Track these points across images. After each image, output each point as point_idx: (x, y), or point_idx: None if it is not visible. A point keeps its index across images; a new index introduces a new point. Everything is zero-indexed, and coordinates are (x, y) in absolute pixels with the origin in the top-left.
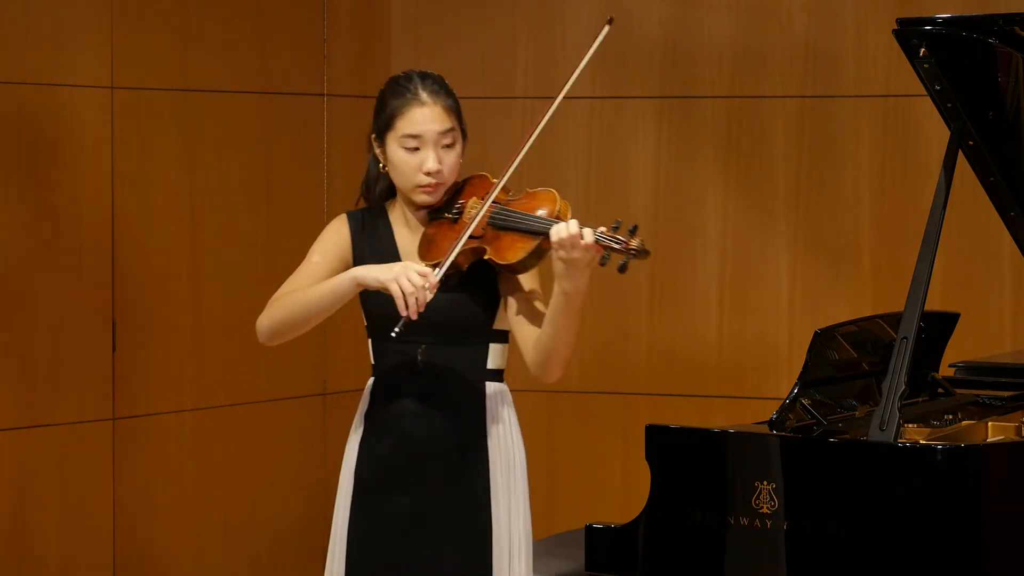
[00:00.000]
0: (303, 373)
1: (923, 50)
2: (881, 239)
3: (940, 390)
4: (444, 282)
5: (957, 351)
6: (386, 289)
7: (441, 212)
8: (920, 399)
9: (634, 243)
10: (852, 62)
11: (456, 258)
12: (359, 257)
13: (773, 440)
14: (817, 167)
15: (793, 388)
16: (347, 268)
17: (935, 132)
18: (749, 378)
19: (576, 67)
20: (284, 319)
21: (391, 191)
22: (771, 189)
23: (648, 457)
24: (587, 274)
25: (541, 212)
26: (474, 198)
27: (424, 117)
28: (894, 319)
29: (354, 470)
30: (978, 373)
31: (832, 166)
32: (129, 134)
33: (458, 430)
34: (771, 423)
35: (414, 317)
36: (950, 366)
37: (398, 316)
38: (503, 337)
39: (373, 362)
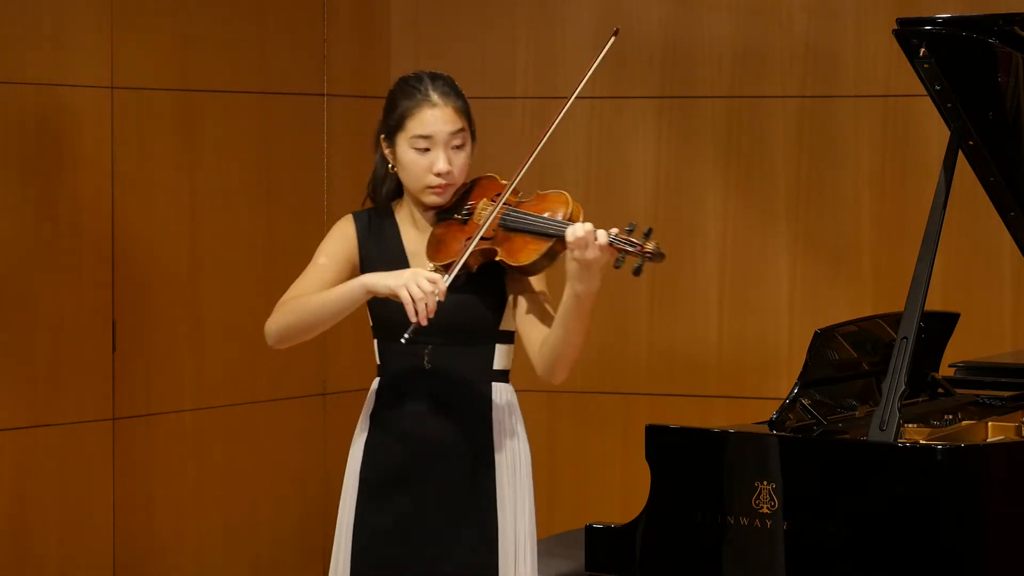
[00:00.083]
0: (303, 373)
1: (923, 50)
2: (881, 239)
3: (940, 390)
4: (452, 283)
5: (957, 351)
6: (396, 296)
7: (450, 213)
8: (920, 399)
9: (649, 246)
10: (852, 62)
11: (467, 259)
12: (366, 258)
13: (773, 440)
14: (817, 167)
15: (793, 388)
16: (354, 269)
17: (935, 132)
18: (749, 378)
19: (579, 72)
20: (292, 324)
21: (397, 191)
22: (771, 189)
23: (648, 457)
24: (600, 276)
25: (554, 214)
26: (484, 199)
27: (435, 118)
28: (894, 319)
29: (359, 470)
30: (978, 373)
31: (832, 166)
32: (129, 134)
33: (465, 431)
34: (771, 423)
35: (424, 323)
36: (950, 366)
37: (404, 318)
38: (509, 338)
39: (379, 362)
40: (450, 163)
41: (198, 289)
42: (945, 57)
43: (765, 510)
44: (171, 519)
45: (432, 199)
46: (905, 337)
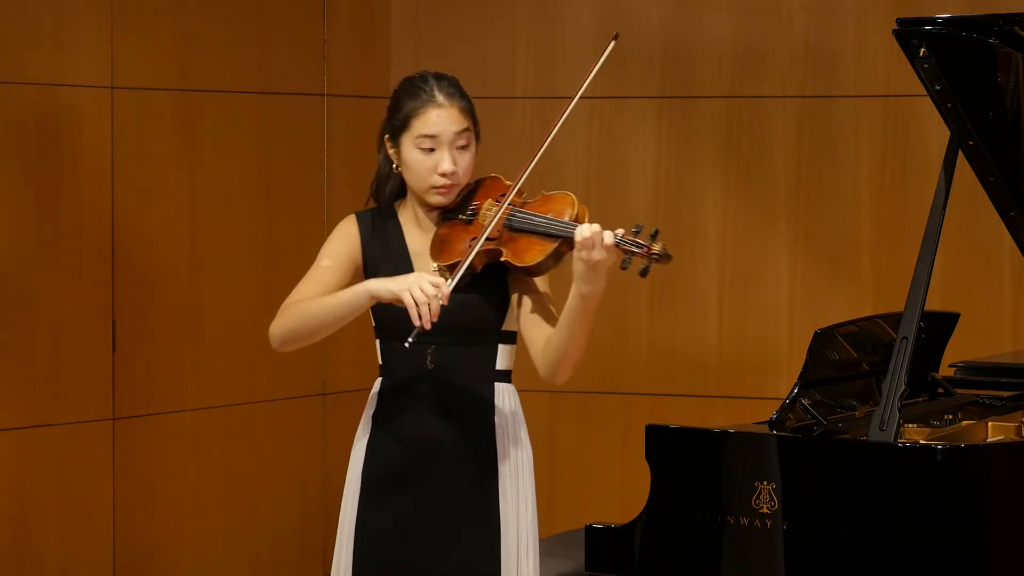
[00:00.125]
0: (303, 373)
1: (923, 50)
2: (881, 239)
3: (940, 390)
4: (456, 284)
5: (957, 351)
6: (399, 301)
7: (454, 213)
8: (920, 399)
9: (656, 247)
10: (852, 62)
11: (472, 260)
12: (369, 258)
13: (773, 440)
14: (817, 167)
15: (793, 388)
16: (357, 269)
17: (935, 132)
18: (749, 378)
19: (579, 72)
20: (296, 329)
21: (401, 191)
22: (771, 189)
23: (648, 457)
24: (606, 277)
25: (560, 215)
26: (488, 200)
27: (440, 118)
28: (894, 319)
29: (362, 471)
30: (978, 373)
31: (832, 166)
32: (129, 134)
33: (467, 431)
34: (771, 423)
35: (427, 327)
36: (950, 366)
37: (407, 320)
38: (512, 338)
39: (381, 363)
40: (455, 163)
41: (198, 289)
42: (945, 57)
43: (765, 510)
44: (171, 519)
45: (437, 199)
46: (905, 337)
